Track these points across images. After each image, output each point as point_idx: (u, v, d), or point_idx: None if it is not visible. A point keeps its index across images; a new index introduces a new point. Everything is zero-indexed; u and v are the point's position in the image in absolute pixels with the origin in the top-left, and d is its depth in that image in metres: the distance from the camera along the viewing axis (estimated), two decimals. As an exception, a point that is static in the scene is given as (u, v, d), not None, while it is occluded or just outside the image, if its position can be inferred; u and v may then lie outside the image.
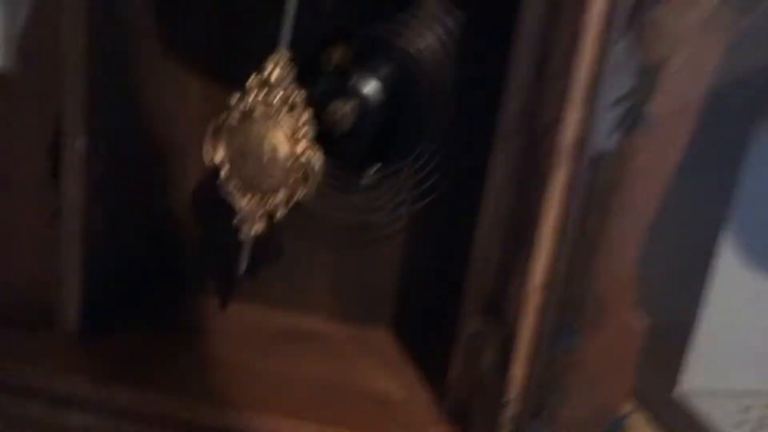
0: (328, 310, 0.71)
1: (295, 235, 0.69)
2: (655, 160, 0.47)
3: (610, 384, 0.51)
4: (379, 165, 0.64)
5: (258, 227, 0.59)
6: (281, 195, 0.57)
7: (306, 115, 0.56)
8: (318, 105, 0.58)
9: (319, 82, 0.61)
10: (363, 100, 0.62)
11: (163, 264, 0.72)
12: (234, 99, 0.57)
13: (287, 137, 0.56)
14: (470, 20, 0.60)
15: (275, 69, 0.56)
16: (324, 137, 0.58)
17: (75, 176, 0.58)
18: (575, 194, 0.47)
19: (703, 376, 0.72)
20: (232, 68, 0.65)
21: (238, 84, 0.65)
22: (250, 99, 0.56)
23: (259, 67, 0.59)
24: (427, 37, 0.61)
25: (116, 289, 0.66)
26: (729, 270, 0.70)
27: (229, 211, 0.61)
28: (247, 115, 0.57)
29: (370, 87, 0.62)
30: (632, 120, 0.45)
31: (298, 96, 0.56)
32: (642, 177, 0.48)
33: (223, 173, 0.59)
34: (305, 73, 0.60)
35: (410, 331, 0.70)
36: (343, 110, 0.60)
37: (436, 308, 0.67)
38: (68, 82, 0.57)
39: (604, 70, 0.43)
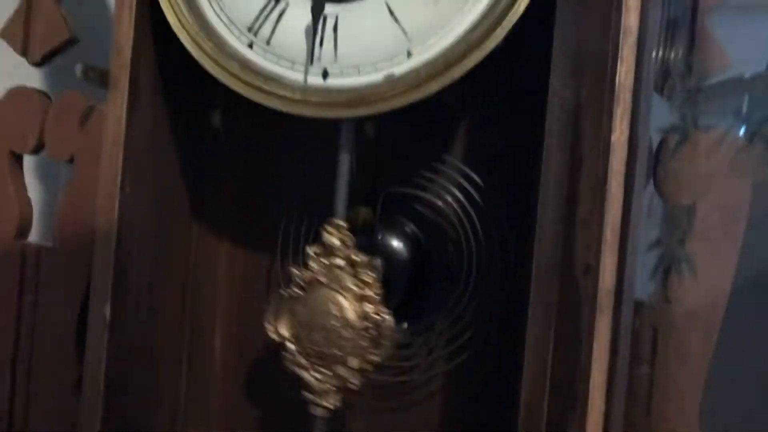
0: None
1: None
2: (699, 302, 0.45)
3: None
4: (407, 322, 0.62)
5: (333, 401, 0.56)
6: (353, 362, 0.55)
7: (370, 275, 0.55)
8: None
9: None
10: (390, 256, 0.62)
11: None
12: (295, 269, 0.57)
13: (354, 298, 0.55)
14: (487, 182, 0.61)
15: (334, 235, 0.56)
16: None
17: (99, 345, 0.58)
18: (621, 342, 0.44)
19: None
20: (259, 234, 0.68)
21: (265, 249, 0.67)
22: (312, 267, 0.56)
23: (289, 243, 0.60)
24: (448, 194, 0.62)
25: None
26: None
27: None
28: (309, 283, 0.56)
29: (397, 243, 0.62)
30: (669, 263, 0.43)
31: (361, 258, 0.56)
32: (689, 321, 0.45)
33: (289, 348, 0.57)
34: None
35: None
36: (372, 268, 0.60)
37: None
38: (98, 251, 0.58)
39: (633, 216, 0.42)
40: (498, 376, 0.59)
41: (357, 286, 0.55)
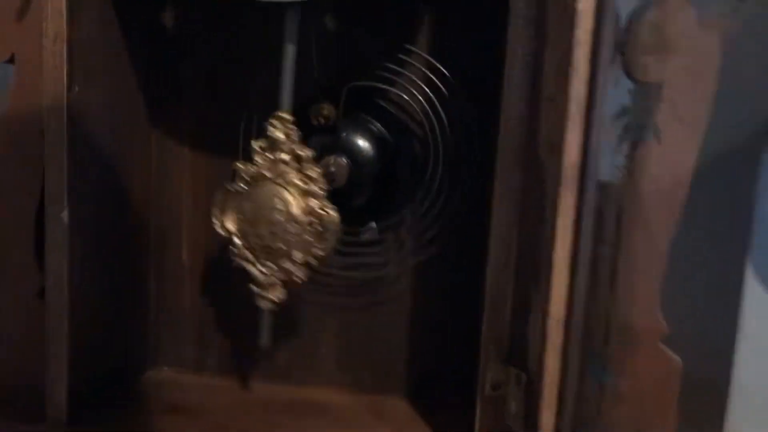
0: (338, 379, 0.67)
1: (298, 300, 0.65)
2: (665, 176, 0.44)
3: (651, 423, 0.46)
4: (374, 219, 0.62)
5: (278, 294, 0.56)
6: (298, 256, 0.54)
7: (315, 171, 0.54)
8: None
9: (308, 140, 0.59)
10: (355, 154, 0.60)
11: (157, 340, 0.69)
12: (240, 164, 0.56)
13: (299, 193, 0.54)
14: (456, 70, 0.59)
15: (279, 128, 0.55)
16: None
17: (60, 250, 0.56)
18: (585, 219, 0.43)
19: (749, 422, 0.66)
20: (221, 135, 0.66)
21: (228, 149, 0.65)
22: (257, 162, 0.55)
23: (255, 130, 0.58)
24: (415, 89, 0.60)
25: (106, 370, 0.62)
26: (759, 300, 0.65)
27: (230, 280, 0.60)
28: (254, 178, 0.55)
29: (361, 141, 0.61)
30: (634, 134, 0.43)
31: (306, 152, 0.54)
32: (654, 196, 0.45)
33: (235, 242, 0.56)
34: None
35: (427, 395, 0.65)
36: (336, 165, 0.59)
37: (453, 368, 0.63)
38: (49, 154, 0.55)
39: (598, 88, 0.41)
40: (468, 268, 0.60)
41: (302, 181, 0.54)
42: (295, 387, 0.67)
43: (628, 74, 0.45)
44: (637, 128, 0.43)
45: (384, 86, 0.61)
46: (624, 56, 0.42)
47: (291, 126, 0.55)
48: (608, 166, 0.44)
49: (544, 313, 0.43)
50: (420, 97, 0.61)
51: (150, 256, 0.68)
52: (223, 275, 0.67)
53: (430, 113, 0.61)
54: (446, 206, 0.61)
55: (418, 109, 0.61)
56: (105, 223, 0.61)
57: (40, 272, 0.59)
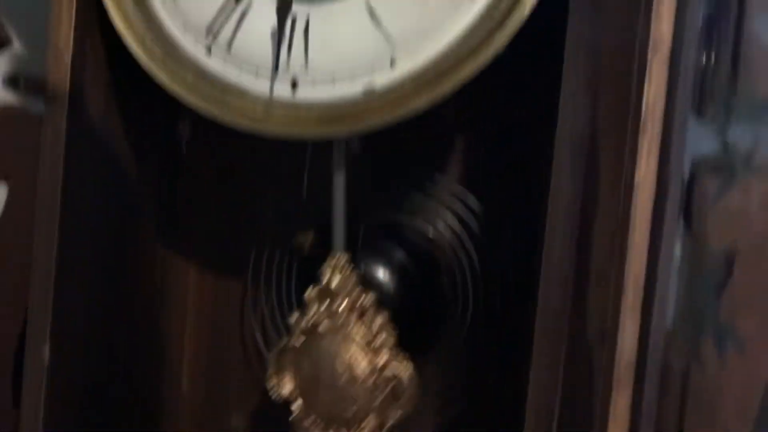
0: None
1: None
2: (736, 376, 0.37)
3: None
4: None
5: None
6: (372, 422, 0.47)
7: (380, 319, 0.48)
8: None
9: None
10: (374, 289, 0.54)
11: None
12: (294, 317, 0.50)
13: (363, 349, 0.48)
14: (489, 205, 0.53)
15: (335, 275, 0.49)
16: None
17: (36, 392, 0.50)
18: (642, 423, 0.36)
19: None
20: (230, 256, 0.61)
21: (236, 274, 0.59)
22: (312, 314, 0.49)
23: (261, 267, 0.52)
24: (440, 222, 0.54)
25: None
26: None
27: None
28: (312, 332, 0.49)
29: (382, 274, 0.55)
30: (703, 330, 0.35)
31: (367, 299, 0.48)
32: (726, 394, 0.37)
33: (295, 409, 0.49)
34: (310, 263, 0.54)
35: None
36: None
37: None
38: (35, 286, 0.50)
39: (660, 270, 0.34)
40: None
41: (365, 333, 0.47)
42: None
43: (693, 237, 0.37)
44: (705, 322, 0.35)
45: (405, 220, 0.55)
46: (690, 229, 0.35)
47: (348, 269, 0.49)
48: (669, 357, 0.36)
49: None
50: (448, 231, 0.55)
51: (148, 383, 0.61)
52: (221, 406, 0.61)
53: (459, 251, 0.54)
54: (475, 362, 0.53)
55: (445, 244, 0.55)
56: (97, 354, 0.55)
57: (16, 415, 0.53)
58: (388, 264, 0.56)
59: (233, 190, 0.61)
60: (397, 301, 0.54)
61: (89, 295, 0.54)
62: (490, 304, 0.53)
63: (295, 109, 0.46)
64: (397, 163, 0.56)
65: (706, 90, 0.36)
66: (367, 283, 0.54)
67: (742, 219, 0.35)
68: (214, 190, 0.62)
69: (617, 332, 0.35)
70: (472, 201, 0.54)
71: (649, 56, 0.34)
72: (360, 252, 0.54)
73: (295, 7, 0.46)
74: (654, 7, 0.34)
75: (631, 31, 0.35)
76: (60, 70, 0.50)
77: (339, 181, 0.49)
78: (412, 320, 0.55)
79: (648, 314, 0.35)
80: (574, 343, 0.38)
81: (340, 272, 0.49)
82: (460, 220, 0.54)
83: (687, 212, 0.36)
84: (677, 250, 0.36)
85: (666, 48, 0.34)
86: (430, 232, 0.55)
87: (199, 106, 0.48)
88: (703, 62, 0.36)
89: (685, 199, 0.37)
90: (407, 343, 0.56)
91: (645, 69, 0.34)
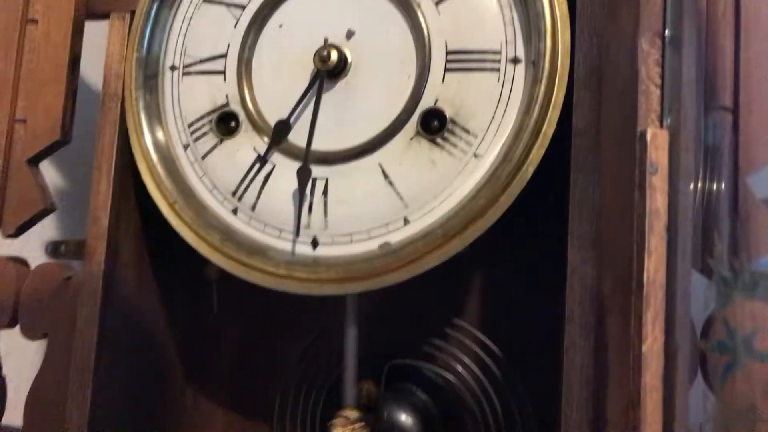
0: None
1: None
2: None
3: None
4: None
5: None
6: None
7: None
8: None
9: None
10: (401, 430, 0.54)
11: None
12: None
13: None
14: (506, 350, 0.53)
15: (344, 429, 0.50)
16: None
17: None
18: None
19: None
20: (257, 401, 0.61)
21: (262, 418, 0.60)
22: None
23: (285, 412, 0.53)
24: (462, 365, 0.54)
25: None
26: None
27: None
28: None
29: (404, 417, 0.54)
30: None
31: None
32: None
33: None
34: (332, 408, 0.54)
35: None
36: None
37: None
38: None
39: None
40: None
41: None
42: None
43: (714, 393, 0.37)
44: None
45: (427, 365, 0.55)
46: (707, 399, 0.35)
47: (358, 425, 0.49)
48: None
49: None
50: (468, 375, 0.55)
51: None
52: None
53: (479, 393, 0.54)
54: None
55: (467, 388, 0.55)
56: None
57: None
58: (412, 406, 0.56)
59: (258, 334, 0.63)
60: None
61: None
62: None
63: (315, 267, 0.48)
64: (416, 309, 0.57)
65: (708, 254, 0.37)
66: (390, 424, 0.54)
67: (747, 403, 0.34)
68: (240, 334, 0.64)
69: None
70: (492, 345, 0.54)
71: (646, 232, 0.35)
72: (383, 395, 0.55)
73: (315, 170, 0.49)
74: (647, 180, 0.36)
75: (628, 207, 0.36)
76: (98, 234, 0.53)
77: (352, 335, 0.50)
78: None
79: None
80: None
81: (351, 426, 0.49)
82: (480, 364, 0.54)
83: (705, 379, 0.36)
84: (699, 417, 0.35)
85: (662, 223, 0.35)
86: (451, 376, 0.55)
87: (224, 265, 0.50)
88: (703, 207, 0.37)
89: (699, 368, 0.36)
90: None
91: (644, 245, 0.35)
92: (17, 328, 0.56)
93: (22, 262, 0.58)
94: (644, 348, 0.34)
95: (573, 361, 0.40)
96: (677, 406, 0.35)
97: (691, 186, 0.36)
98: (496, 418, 0.53)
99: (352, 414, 0.49)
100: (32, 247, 0.63)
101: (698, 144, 0.42)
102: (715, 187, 0.42)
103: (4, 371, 0.58)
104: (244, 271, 0.50)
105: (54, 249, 0.51)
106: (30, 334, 0.55)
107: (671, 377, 0.34)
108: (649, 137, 0.35)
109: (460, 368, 0.55)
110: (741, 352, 0.34)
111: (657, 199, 0.35)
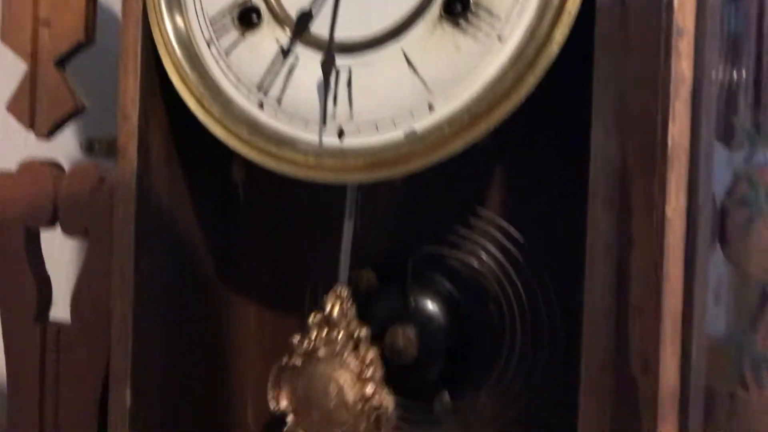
0: None
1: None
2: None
3: None
4: (448, 394, 0.57)
5: None
6: None
7: (372, 353, 0.52)
8: (376, 333, 0.53)
9: (375, 307, 0.56)
10: (424, 323, 0.56)
11: None
12: (295, 339, 0.54)
13: (354, 378, 0.51)
14: (529, 237, 0.55)
15: (335, 306, 0.53)
16: (387, 367, 0.53)
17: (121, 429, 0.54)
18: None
19: None
20: (288, 294, 0.64)
21: (294, 310, 0.62)
22: (312, 338, 0.53)
23: (317, 304, 0.56)
24: (487, 253, 0.56)
25: None
26: None
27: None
28: (310, 355, 0.53)
29: (432, 307, 0.57)
30: (743, 359, 0.36)
31: (362, 332, 0.52)
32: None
33: (288, 422, 0.54)
34: (359, 301, 0.56)
35: None
36: (404, 339, 0.54)
37: None
38: (115, 332, 0.55)
39: (696, 300, 0.35)
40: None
41: (357, 364, 0.51)
42: None
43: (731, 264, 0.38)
44: (750, 357, 0.36)
45: (452, 253, 0.57)
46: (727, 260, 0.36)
47: (347, 303, 0.52)
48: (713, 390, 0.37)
49: None
50: (492, 263, 0.56)
51: (218, 414, 0.65)
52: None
53: (503, 279, 0.56)
54: (526, 389, 0.55)
55: (490, 275, 0.57)
56: (172, 393, 0.59)
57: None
58: (436, 295, 0.58)
59: (287, 229, 0.65)
60: (445, 330, 0.57)
61: (163, 340, 0.58)
62: (536, 330, 0.55)
63: (342, 156, 0.49)
64: (440, 198, 0.58)
65: (730, 122, 0.37)
66: (417, 312, 0.57)
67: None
68: (269, 229, 0.66)
69: (658, 363, 0.36)
70: (514, 232, 0.55)
71: (671, 97, 0.35)
72: (408, 283, 0.57)
73: (339, 61, 0.49)
74: (673, 45, 0.36)
75: (653, 71, 0.36)
76: (129, 131, 0.55)
77: (348, 224, 0.53)
78: (462, 348, 0.58)
79: (688, 344, 0.36)
80: (618, 375, 0.39)
81: (341, 304, 0.52)
82: (503, 251, 0.56)
83: (722, 243, 0.37)
84: (715, 280, 0.37)
85: (687, 88, 0.35)
86: (475, 264, 0.57)
87: (254, 158, 0.52)
88: (725, 91, 0.37)
89: (719, 230, 0.37)
90: (456, 371, 0.58)
91: (668, 110, 0.35)
92: (58, 230, 0.59)
93: (56, 166, 0.60)
94: (668, 210, 0.35)
95: (596, 235, 0.41)
96: (698, 267, 0.36)
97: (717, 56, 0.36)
98: (520, 303, 0.55)
99: (344, 291, 0.52)
100: (62, 153, 0.65)
101: (722, 31, 0.42)
102: (736, 75, 0.42)
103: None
104: (274, 163, 0.51)
105: (89, 146, 0.53)
106: (70, 231, 0.58)
107: (693, 238, 0.36)
108: (676, 1, 0.35)
109: (484, 256, 0.56)
110: (762, 204, 0.35)
111: (682, 64, 0.36)
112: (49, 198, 0.58)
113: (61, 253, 0.68)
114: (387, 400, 0.50)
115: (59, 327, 0.59)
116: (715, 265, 0.38)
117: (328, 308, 0.52)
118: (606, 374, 0.39)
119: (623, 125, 0.39)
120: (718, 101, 0.40)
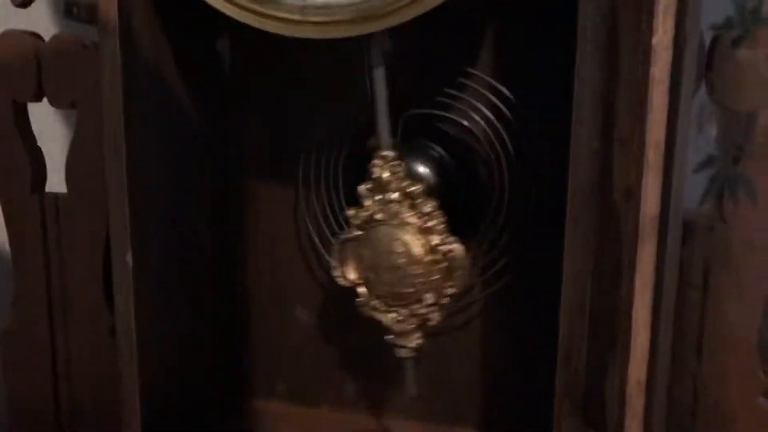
0: (409, 409, 0.65)
1: (366, 331, 0.64)
2: (757, 228, 0.39)
3: None
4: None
5: (417, 341, 0.53)
6: (430, 298, 0.52)
7: (430, 205, 0.51)
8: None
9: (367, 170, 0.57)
10: (416, 182, 0.57)
11: (225, 371, 0.69)
12: (350, 211, 0.53)
13: (417, 232, 0.51)
14: (521, 93, 0.55)
15: (384, 169, 0.52)
16: None
17: (126, 292, 0.57)
18: (666, 274, 0.39)
19: None
20: (284, 167, 0.65)
21: (290, 181, 0.64)
22: (368, 206, 0.52)
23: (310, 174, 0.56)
24: (478, 114, 0.56)
25: (178, 403, 0.63)
26: None
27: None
28: (369, 222, 0.52)
29: (422, 167, 0.58)
30: (722, 186, 0.38)
31: (416, 188, 0.52)
32: (747, 250, 0.40)
33: (361, 294, 0.54)
34: (353, 162, 0.57)
35: (500, 428, 0.62)
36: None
37: (527, 406, 0.60)
38: (112, 198, 0.55)
39: (679, 132, 0.36)
40: (537, 304, 0.56)
41: (417, 218, 0.51)
42: (365, 415, 0.66)
43: (714, 101, 0.39)
44: (726, 181, 0.38)
45: (442, 113, 0.57)
46: (711, 90, 0.37)
47: (396, 163, 0.52)
48: (694, 214, 0.39)
49: (623, 378, 0.39)
50: (482, 122, 0.57)
51: (216, 280, 0.68)
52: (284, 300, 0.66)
53: (493, 138, 0.57)
54: (514, 240, 0.57)
55: (481, 136, 0.58)
56: (170, 260, 0.61)
57: (110, 312, 0.60)
58: (429, 155, 0.59)
59: (274, 99, 0.65)
60: (438, 188, 0.58)
61: (161, 203, 0.59)
62: (526, 184, 0.56)
63: (328, 10, 0.49)
64: (431, 61, 0.58)
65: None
66: (411, 175, 0.58)
67: (755, 75, 0.36)
68: (255, 101, 0.65)
69: (641, 191, 0.38)
70: (504, 92, 0.56)
71: None
72: (401, 145, 0.58)
73: None
74: None
75: None
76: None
77: (380, 77, 0.51)
78: (454, 206, 0.59)
79: (669, 173, 0.38)
80: (602, 206, 0.41)
81: (390, 167, 0.52)
82: (494, 111, 0.56)
83: (707, 74, 0.38)
84: (696, 111, 0.38)
85: None
86: (466, 123, 0.57)
87: (238, 16, 0.51)
88: None
89: (705, 61, 0.38)
90: (452, 227, 0.60)
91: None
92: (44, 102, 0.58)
93: (36, 36, 0.58)
94: (654, 40, 0.36)
95: (583, 74, 0.42)
96: (683, 98, 0.37)
97: None
98: (509, 159, 0.57)
99: (390, 154, 0.52)
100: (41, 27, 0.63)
101: None
102: None
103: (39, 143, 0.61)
104: (258, 21, 0.50)
105: (68, 8, 0.52)
106: (58, 103, 0.58)
107: (678, 70, 0.36)
108: None
109: (475, 116, 0.57)
110: (748, 22, 0.36)
111: None
112: (32, 69, 0.57)
113: (53, 128, 0.68)
114: (456, 247, 0.51)
115: (56, 197, 0.60)
116: (698, 94, 0.39)
117: (376, 173, 0.52)
118: (590, 208, 0.41)
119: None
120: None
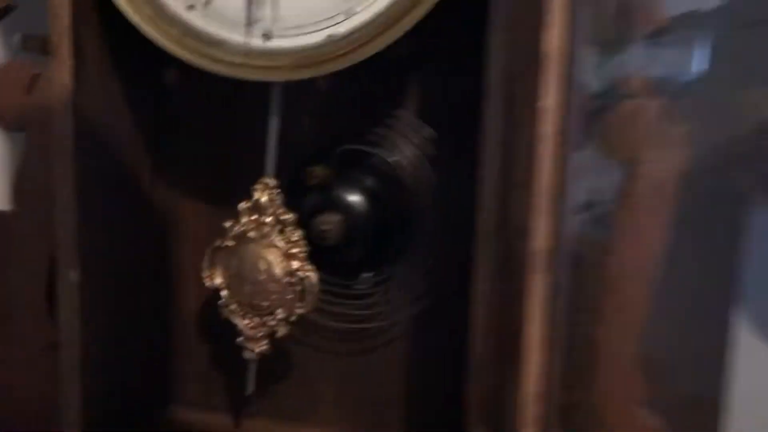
0: (335, 421, 0.70)
1: (297, 347, 0.68)
2: (636, 256, 0.46)
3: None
4: (370, 273, 0.64)
5: (261, 347, 0.61)
6: (280, 314, 0.59)
7: (297, 234, 0.59)
8: (306, 220, 0.60)
9: (305, 199, 0.62)
10: (348, 211, 0.63)
11: (164, 384, 0.72)
12: (228, 224, 0.60)
13: (281, 255, 0.58)
14: (441, 133, 0.61)
15: (263, 194, 0.59)
16: (316, 250, 0.60)
17: (70, 308, 0.60)
18: (556, 300, 0.45)
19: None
20: (224, 188, 0.69)
21: (230, 203, 0.68)
22: (243, 222, 0.59)
23: (249, 192, 0.61)
24: (404, 149, 0.62)
25: (117, 415, 0.66)
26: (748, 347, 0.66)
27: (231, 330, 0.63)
28: (241, 237, 0.60)
29: (354, 198, 0.63)
30: (605, 222, 0.45)
31: (288, 217, 0.59)
32: (626, 276, 0.47)
33: (223, 296, 0.61)
34: (293, 191, 0.62)
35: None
36: (329, 223, 0.61)
37: (444, 417, 0.65)
38: (60, 216, 0.59)
39: (567, 178, 0.43)
40: (456, 325, 0.62)
41: (284, 243, 0.58)
42: (295, 427, 0.70)
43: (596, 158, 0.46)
44: (607, 215, 0.45)
45: (373, 150, 0.63)
46: (596, 142, 0.44)
47: (274, 191, 0.59)
48: (582, 243, 0.45)
49: (520, 390, 0.45)
50: (410, 157, 0.63)
51: (157, 304, 0.71)
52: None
53: (420, 173, 0.63)
54: (438, 263, 0.63)
55: (408, 168, 0.63)
56: (115, 276, 0.64)
57: (51, 327, 0.62)
58: (360, 185, 0.64)
59: (217, 128, 0.69)
60: (367, 216, 0.64)
61: (106, 227, 0.63)
62: (445, 213, 0.62)
63: (269, 55, 0.54)
64: (363, 101, 0.64)
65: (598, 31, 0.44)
66: (341, 202, 0.63)
67: (621, 137, 0.43)
68: (204, 125, 0.69)
69: (531, 229, 0.44)
70: (428, 131, 0.62)
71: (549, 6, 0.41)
72: (335, 177, 0.63)
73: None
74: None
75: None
76: (60, 30, 0.57)
77: (273, 122, 0.59)
78: (382, 231, 0.65)
79: (558, 214, 0.44)
80: (503, 240, 0.47)
81: (268, 192, 0.59)
82: (419, 148, 0.62)
83: (590, 130, 0.45)
84: (585, 160, 0.45)
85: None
86: (393, 159, 0.63)
87: (185, 57, 0.55)
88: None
89: (588, 120, 0.45)
90: (379, 252, 0.66)
91: (545, 18, 0.41)
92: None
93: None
94: (541, 104, 0.42)
95: (489, 128, 0.48)
96: (568, 154, 0.43)
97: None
98: (433, 194, 0.63)
99: (271, 181, 0.59)
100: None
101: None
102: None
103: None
104: (205, 62, 0.55)
105: (23, 42, 0.55)
106: (7, 125, 0.60)
107: (566, 125, 0.43)
108: None
109: (404, 152, 0.63)
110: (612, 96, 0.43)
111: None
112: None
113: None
114: (311, 275, 0.58)
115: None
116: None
117: (256, 196, 0.59)
118: (493, 243, 0.48)
119: (514, 34, 0.45)
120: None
